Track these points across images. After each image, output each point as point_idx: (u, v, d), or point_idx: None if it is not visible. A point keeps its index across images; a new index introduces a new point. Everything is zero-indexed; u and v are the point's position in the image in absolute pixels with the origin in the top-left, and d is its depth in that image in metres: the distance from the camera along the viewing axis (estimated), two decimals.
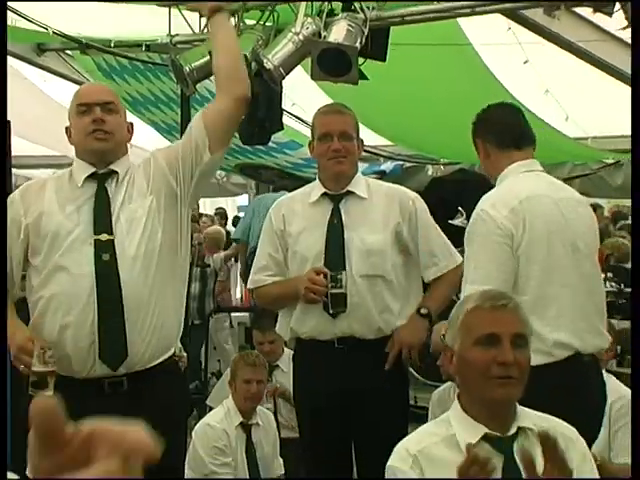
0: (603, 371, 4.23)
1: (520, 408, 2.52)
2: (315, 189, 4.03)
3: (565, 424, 2.61)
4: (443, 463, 2.39)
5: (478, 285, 3.24)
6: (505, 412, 2.48)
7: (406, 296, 3.98)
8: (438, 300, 4.00)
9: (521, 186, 3.53)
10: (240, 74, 3.39)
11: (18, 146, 6.50)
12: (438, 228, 4.07)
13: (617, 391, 4.31)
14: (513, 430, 2.46)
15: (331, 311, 3.83)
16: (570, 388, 3.29)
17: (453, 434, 2.47)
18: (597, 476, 2.52)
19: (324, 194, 3.99)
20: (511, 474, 2.39)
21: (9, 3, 5.69)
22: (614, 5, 4.68)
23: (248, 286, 4.26)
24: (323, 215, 3.97)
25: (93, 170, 3.30)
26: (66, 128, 3.39)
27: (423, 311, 3.94)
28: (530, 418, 2.52)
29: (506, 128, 3.70)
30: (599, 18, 5.19)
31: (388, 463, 2.51)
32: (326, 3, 5.00)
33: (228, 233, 10.78)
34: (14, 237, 3.31)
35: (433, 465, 2.41)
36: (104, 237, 3.19)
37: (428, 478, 2.45)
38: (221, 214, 13.79)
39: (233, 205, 16.88)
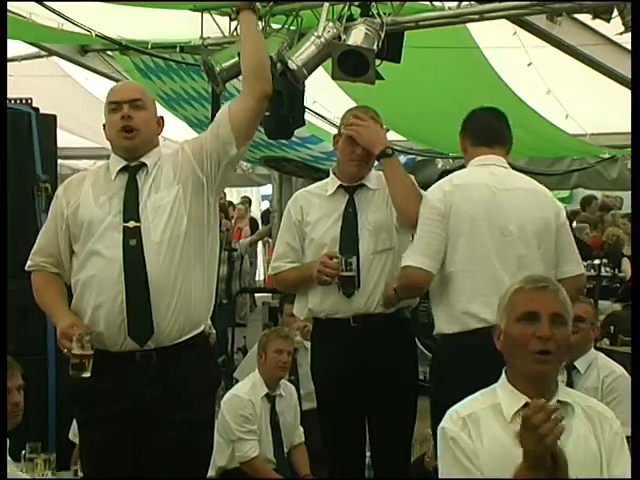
0: (592, 349, 4.28)
1: (561, 385, 2.57)
2: (331, 183, 4.05)
3: (602, 405, 2.68)
4: (488, 427, 2.46)
5: (414, 253, 3.65)
6: (544, 384, 2.52)
7: None
8: None
9: (463, 175, 3.79)
10: (265, 71, 3.37)
11: (62, 138, 6.51)
12: None
13: (607, 367, 4.33)
14: (552, 402, 2.47)
15: (341, 292, 3.86)
16: (478, 356, 3.31)
17: (498, 402, 2.51)
18: (626, 454, 2.53)
19: (340, 186, 4.02)
20: None
21: (56, 7, 5.72)
22: (612, 12, 4.66)
23: (269, 272, 4.29)
24: (339, 205, 3.99)
25: (125, 163, 3.31)
26: (103, 125, 3.40)
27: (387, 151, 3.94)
28: (570, 395, 2.58)
29: (482, 128, 3.88)
30: (598, 24, 5.16)
31: (440, 425, 2.56)
32: (346, 9, 5.00)
33: (252, 219, 10.85)
34: (59, 227, 3.33)
35: (479, 428, 2.45)
36: (132, 224, 3.19)
37: None
38: (246, 202, 13.85)
39: (257, 194, 16.90)
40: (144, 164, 3.29)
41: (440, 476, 2.56)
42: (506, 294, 2.64)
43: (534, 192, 3.79)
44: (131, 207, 3.22)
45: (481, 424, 2.46)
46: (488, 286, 3.54)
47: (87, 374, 3.08)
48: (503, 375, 2.59)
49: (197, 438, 3.21)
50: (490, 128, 3.88)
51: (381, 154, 3.89)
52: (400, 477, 4.00)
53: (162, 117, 3.46)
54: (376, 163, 4.02)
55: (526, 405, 2.46)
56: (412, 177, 3.98)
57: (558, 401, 2.50)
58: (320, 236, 3.96)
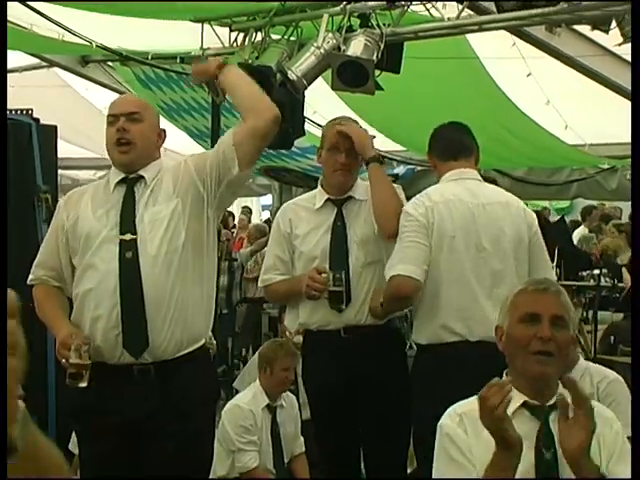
0: (582, 360, 4.34)
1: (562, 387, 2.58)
2: (318, 196, 4.04)
3: (602, 406, 2.71)
4: (484, 429, 2.44)
5: (401, 262, 3.65)
6: (544, 385, 2.54)
7: None
8: None
9: (439, 191, 3.81)
10: (265, 101, 3.36)
11: (63, 149, 6.52)
12: None
13: (600, 373, 4.38)
14: (552, 401, 2.52)
15: (330, 307, 3.85)
16: (454, 366, 3.49)
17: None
18: (627, 455, 2.54)
19: (327, 199, 4.02)
20: (544, 439, 2.48)
21: (57, 18, 5.73)
22: (611, 23, 4.67)
23: (259, 284, 4.25)
24: (327, 218, 3.98)
25: (123, 176, 3.31)
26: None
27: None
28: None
29: (445, 143, 3.96)
30: (597, 35, 5.17)
31: (439, 422, 2.59)
32: (346, 20, 5.01)
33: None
34: (60, 241, 3.33)
35: (477, 425, 2.44)
36: (128, 237, 3.18)
37: None
38: (247, 212, 13.87)
39: (258, 204, 16.91)
40: (142, 177, 3.28)
41: (434, 471, 2.58)
42: (509, 296, 2.67)
43: (508, 205, 3.83)
44: (128, 220, 3.21)
45: (478, 422, 2.44)
46: (463, 301, 3.62)
47: (84, 384, 3.08)
48: (504, 376, 2.60)
49: (195, 448, 3.19)
50: (453, 141, 3.95)
51: (372, 158, 3.90)
52: None
53: (164, 130, 3.44)
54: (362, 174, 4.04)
55: (525, 404, 2.51)
56: (397, 187, 3.99)
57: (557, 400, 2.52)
58: (310, 249, 3.95)
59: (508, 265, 3.70)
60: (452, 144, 3.94)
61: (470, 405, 2.54)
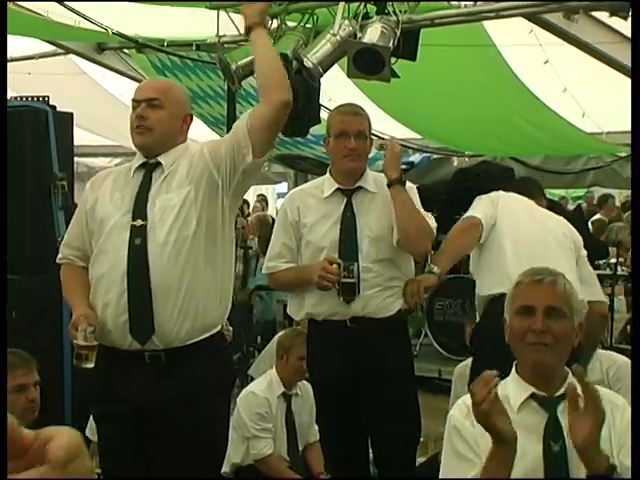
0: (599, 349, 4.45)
1: (572, 375, 2.57)
2: (327, 184, 4.05)
3: (614, 393, 2.72)
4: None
5: (475, 211, 4.46)
6: (547, 375, 2.56)
7: (407, 274, 4.06)
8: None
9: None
10: (280, 81, 3.33)
11: (78, 136, 6.53)
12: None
13: (609, 359, 4.42)
14: (560, 392, 2.52)
15: (341, 299, 3.87)
16: None
17: (506, 394, 2.52)
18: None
19: (337, 189, 4.01)
20: (552, 430, 2.50)
21: (73, 5, 5.73)
22: (629, 10, 4.63)
23: (263, 271, 4.27)
24: (336, 208, 3.99)
25: (144, 160, 3.31)
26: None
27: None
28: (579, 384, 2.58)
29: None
30: (615, 21, 5.13)
31: (449, 413, 2.62)
32: (362, 7, 4.99)
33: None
34: (83, 222, 3.36)
35: None
36: (138, 223, 3.19)
37: None
38: (263, 200, 13.87)
39: (273, 192, 16.92)
40: (160, 163, 3.28)
41: (442, 461, 2.61)
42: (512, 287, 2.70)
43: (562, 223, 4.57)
44: (140, 205, 3.22)
45: None
46: (525, 261, 3.76)
47: (90, 365, 3.12)
48: (514, 367, 2.63)
49: (204, 433, 3.20)
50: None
51: (395, 180, 3.92)
52: (403, 475, 4.01)
53: (190, 115, 3.42)
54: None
55: (533, 395, 2.52)
56: (422, 211, 3.99)
57: (566, 391, 2.50)
58: (318, 239, 3.96)
59: (566, 255, 4.33)
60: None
61: None
